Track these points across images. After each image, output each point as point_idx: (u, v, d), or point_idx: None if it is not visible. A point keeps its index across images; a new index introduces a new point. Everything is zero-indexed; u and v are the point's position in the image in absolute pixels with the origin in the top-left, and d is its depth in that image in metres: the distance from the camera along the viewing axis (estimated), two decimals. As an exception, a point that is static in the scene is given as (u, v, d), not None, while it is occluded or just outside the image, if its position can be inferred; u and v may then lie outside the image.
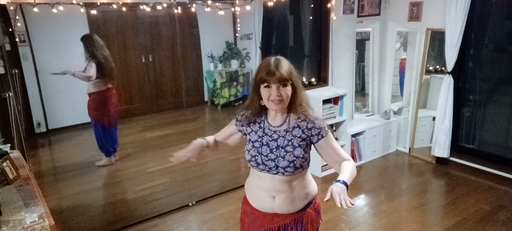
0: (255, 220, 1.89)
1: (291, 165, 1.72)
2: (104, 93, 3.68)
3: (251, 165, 1.83)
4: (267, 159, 1.75)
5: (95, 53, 3.46)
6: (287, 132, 1.75)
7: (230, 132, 1.96)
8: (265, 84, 1.67)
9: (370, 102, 5.19)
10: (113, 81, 3.71)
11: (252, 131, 1.83)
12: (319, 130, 1.74)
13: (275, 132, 1.77)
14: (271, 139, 1.76)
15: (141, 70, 4.12)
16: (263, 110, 1.81)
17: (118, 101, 3.83)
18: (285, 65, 1.68)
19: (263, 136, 1.78)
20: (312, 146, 1.80)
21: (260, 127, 1.81)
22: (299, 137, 1.74)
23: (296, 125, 1.75)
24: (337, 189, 1.53)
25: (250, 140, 1.82)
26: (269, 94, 1.67)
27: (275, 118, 1.79)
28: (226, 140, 1.98)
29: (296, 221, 1.84)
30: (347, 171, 1.67)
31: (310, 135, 1.74)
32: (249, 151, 1.81)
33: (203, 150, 1.89)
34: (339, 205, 1.48)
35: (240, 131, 1.91)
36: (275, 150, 1.74)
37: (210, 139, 1.96)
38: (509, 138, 4.23)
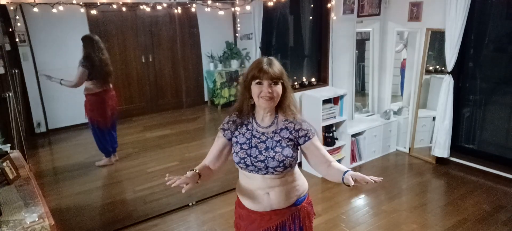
0: (252, 222, 1.89)
1: (281, 164, 1.75)
2: (100, 94, 3.64)
3: (239, 167, 1.83)
4: (256, 160, 1.76)
5: (91, 55, 3.43)
6: (275, 133, 1.78)
7: (221, 147, 1.86)
8: (257, 80, 1.71)
9: (370, 102, 5.19)
10: (109, 85, 3.68)
11: (240, 133, 1.82)
12: (306, 132, 1.78)
13: (263, 133, 1.79)
14: (259, 141, 1.78)
15: (141, 70, 4.11)
16: (252, 111, 1.82)
17: (116, 103, 3.81)
18: (277, 65, 1.74)
19: (251, 138, 1.79)
20: (299, 147, 1.83)
21: (247, 129, 1.82)
22: (287, 138, 1.77)
23: (284, 127, 1.78)
24: (356, 172, 1.62)
25: (237, 142, 1.81)
26: (260, 91, 1.71)
27: (263, 119, 1.81)
28: (219, 159, 1.86)
29: (293, 216, 1.87)
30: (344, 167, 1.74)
31: (297, 136, 1.78)
32: (237, 153, 1.80)
33: (196, 183, 1.70)
34: (371, 181, 1.58)
35: (229, 139, 1.85)
36: (264, 151, 1.76)
37: (200, 166, 1.81)
38: (509, 138, 4.23)
